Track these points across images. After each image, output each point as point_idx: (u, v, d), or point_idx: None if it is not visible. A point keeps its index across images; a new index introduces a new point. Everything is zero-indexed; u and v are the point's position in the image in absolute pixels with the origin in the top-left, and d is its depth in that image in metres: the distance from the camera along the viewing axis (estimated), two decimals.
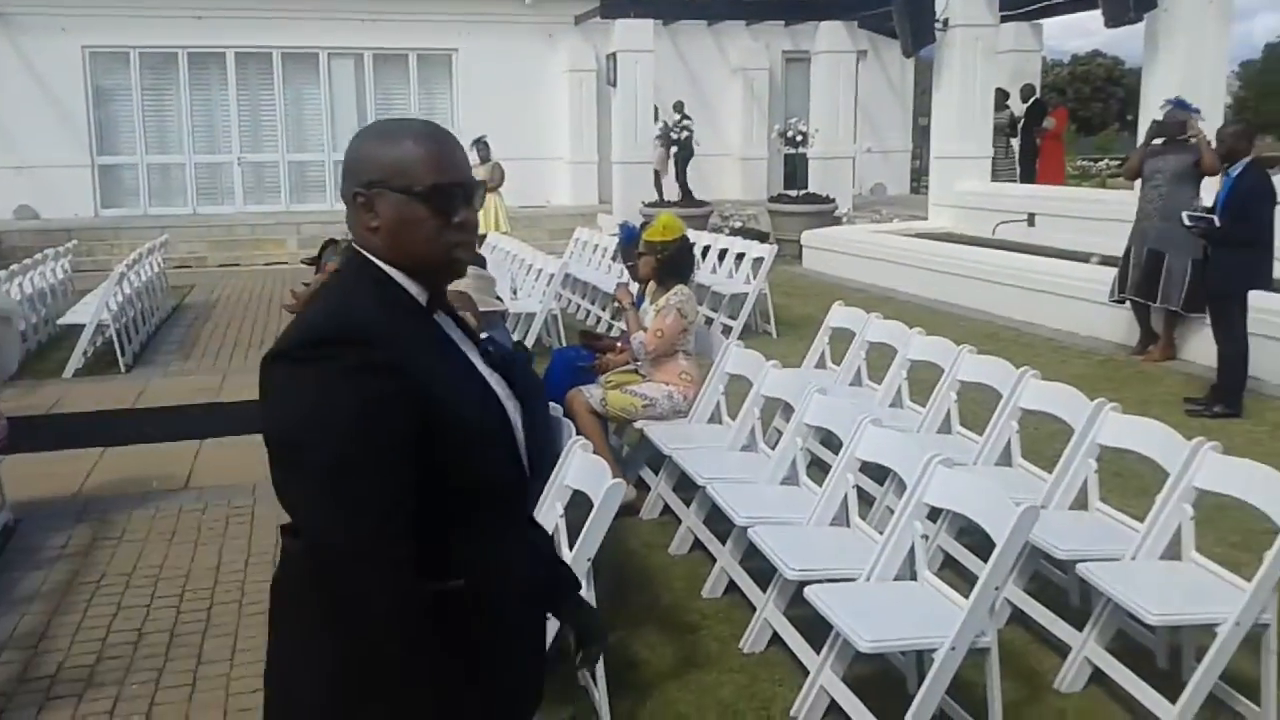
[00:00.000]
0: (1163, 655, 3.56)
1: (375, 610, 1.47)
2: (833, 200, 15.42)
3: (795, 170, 17.08)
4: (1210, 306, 7.07)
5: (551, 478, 3.57)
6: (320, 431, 1.48)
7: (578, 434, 4.86)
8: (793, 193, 16.23)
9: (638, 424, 5.05)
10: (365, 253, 1.64)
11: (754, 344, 5.56)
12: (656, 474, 4.99)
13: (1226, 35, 10.90)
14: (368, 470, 1.47)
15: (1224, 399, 6.60)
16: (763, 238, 13.15)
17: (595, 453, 4.88)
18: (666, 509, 4.91)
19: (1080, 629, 3.51)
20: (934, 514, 3.71)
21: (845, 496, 3.75)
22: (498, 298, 4.57)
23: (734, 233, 13.18)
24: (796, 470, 4.20)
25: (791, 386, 4.57)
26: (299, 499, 1.53)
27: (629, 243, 6.17)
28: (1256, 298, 6.77)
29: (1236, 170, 6.75)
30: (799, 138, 15.64)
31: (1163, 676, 3.41)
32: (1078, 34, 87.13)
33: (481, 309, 4.10)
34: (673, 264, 5.25)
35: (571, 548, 3.22)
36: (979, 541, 3.55)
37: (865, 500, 4.20)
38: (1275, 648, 3.14)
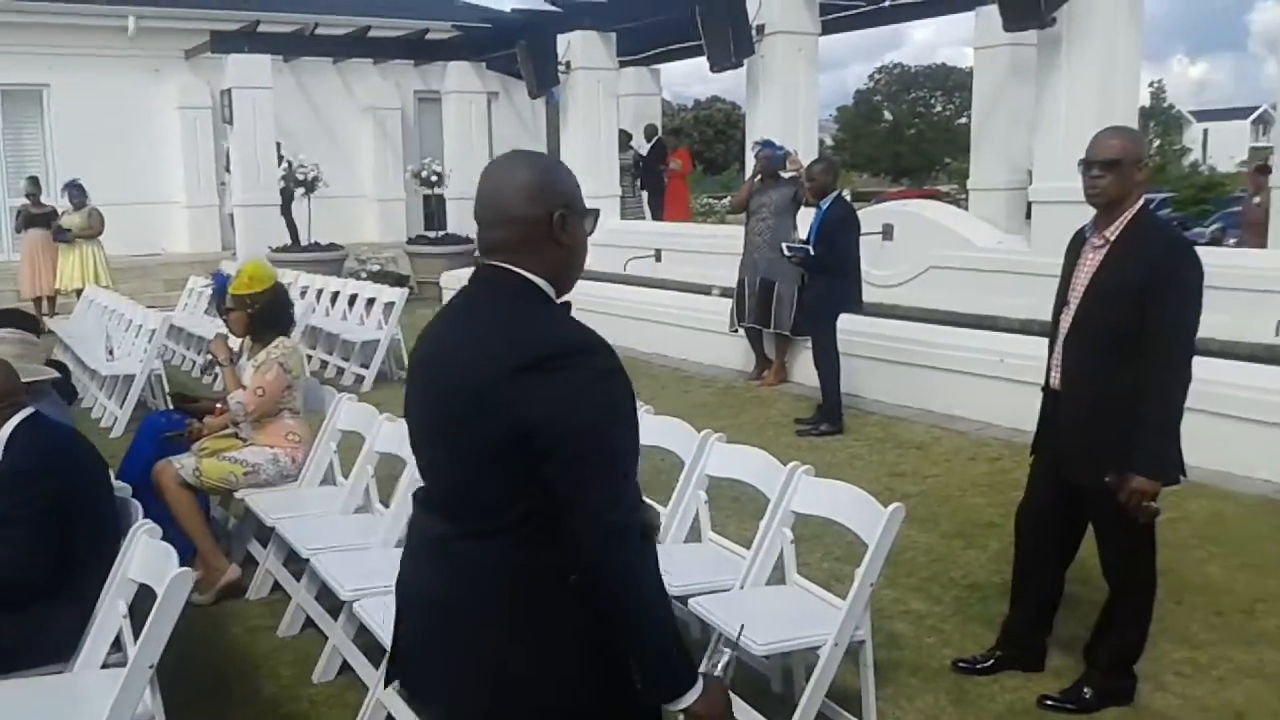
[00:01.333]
0: (777, 679, 3.63)
1: (651, 573, 1.81)
2: (472, 240, 15.30)
3: (434, 211, 16.85)
4: (807, 330, 7.63)
5: (111, 571, 3.08)
6: (621, 420, 1.79)
7: (172, 511, 4.35)
8: (432, 234, 15.97)
9: (239, 494, 4.57)
10: (522, 271, 1.86)
11: (387, 392, 5.23)
12: (265, 547, 4.53)
13: (815, 82, 11.92)
14: (637, 456, 1.82)
15: (828, 417, 7.07)
16: (402, 280, 12.77)
17: (187, 532, 4.41)
18: (277, 586, 4.47)
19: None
20: None
21: None
22: (56, 363, 3.98)
23: (371, 276, 12.73)
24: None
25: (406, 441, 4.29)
26: (584, 482, 1.74)
27: (221, 294, 5.62)
28: (846, 320, 7.34)
29: (826, 203, 7.29)
30: (434, 178, 15.44)
31: (780, 700, 3.47)
32: (699, 80, 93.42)
33: (25, 379, 3.51)
34: (267, 316, 4.82)
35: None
36: None
37: None
38: (871, 661, 3.27)
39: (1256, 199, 11.11)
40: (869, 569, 3.14)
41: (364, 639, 3.65)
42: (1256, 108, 61.34)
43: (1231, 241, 13.94)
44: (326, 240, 14.85)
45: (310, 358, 9.19)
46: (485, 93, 17.05)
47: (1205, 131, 53.96)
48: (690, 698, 1.81)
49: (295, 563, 4.28)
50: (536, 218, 1.85)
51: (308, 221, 14.78)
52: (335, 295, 10.01)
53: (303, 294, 9.91)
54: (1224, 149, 45.88)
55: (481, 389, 1.79)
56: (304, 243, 14.69)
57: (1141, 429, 3.17)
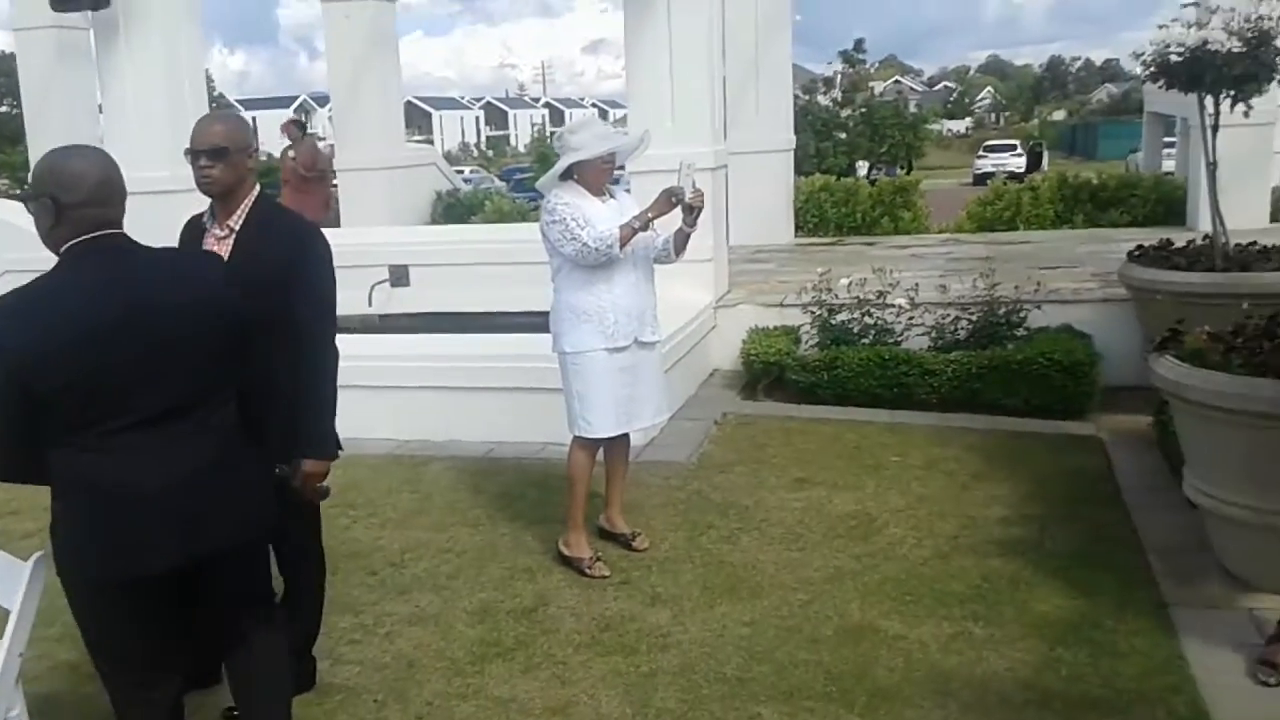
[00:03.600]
0: None
1: None
2: None
3: None
4: None
5: None
6: None
7: None
8: None
9: None
10: None
11: None
12: None
13: None
14: None
15: None
16: None
17: None
18: None
19: None
20: None
21: None
22: None
23: None
24: None
25: None
26: None
27: None
28: None
29: None
30: None
31: None
32: None
33: None
34: None
35: None
36: None
37: None
38: None
39: (292, 154, 11.10)
40: (14, 638, 2.60)
41: None
42: (297, 97, 66.54)
43: None
44: None
45: None
46: None
47: (255, 119, 56.86)
48: None
49: None
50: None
51: None
52: None
53: None
54: (272, 137, 48.62)
55: None
56: None
57: (303, 413, 3.15)
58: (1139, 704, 3.27)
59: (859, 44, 36.64)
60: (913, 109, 40.22)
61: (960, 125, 71.70)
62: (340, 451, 3.40)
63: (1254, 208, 9.09)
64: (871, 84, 40.92)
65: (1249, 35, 5.44)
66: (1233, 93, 5.66)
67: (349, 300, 6.57)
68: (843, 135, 30.82)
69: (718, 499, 5.14)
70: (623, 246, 4.24)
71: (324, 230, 3.41)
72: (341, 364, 3.30)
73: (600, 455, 4.59)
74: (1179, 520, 4.43)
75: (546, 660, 3.71)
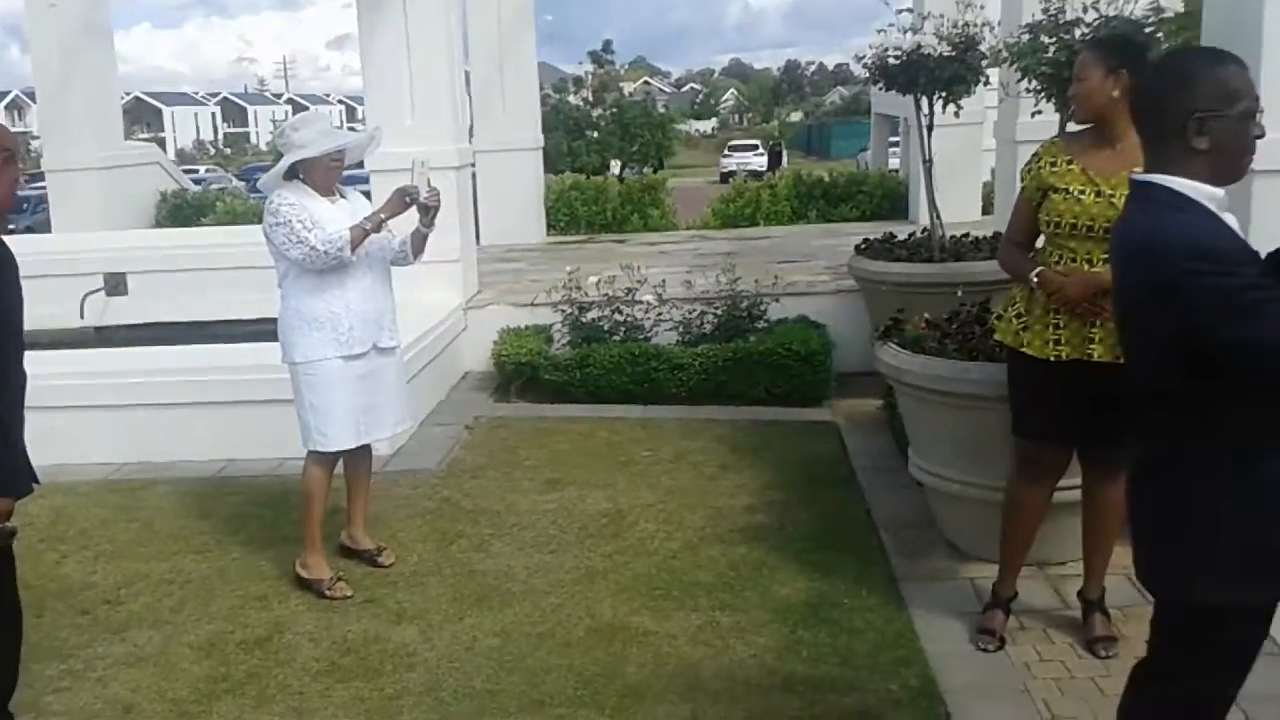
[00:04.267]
0: None
1: None
2: None
3: None
4: None
5: None
6: None
7: None
8: None
9: None
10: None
11: None
12: None
13: None
14: None
15: None
16: None
17: None
18: None
19: None
20: None
21: None
22: None
23: None
24: None
25: None
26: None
27: None
28: None
29: None
30: None
31: None
32: None
33: None
34: None
35: None
36: None
37: None
38: None
39: None
40: None
41: None
42: (8, 92, 60.81)
43: None
44: None
45: None
46: None
47: None
48: None
49: None
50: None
51: None
52: None
53: None
54: None
55: None
56: None
57: None
58: (874, 678, 3.40)
59: (607, 45, 37.32)
60: (661, 109, 41.27)
61: (706, 125, 74.30)
62: (36, 485, 3.03)
63: (967, 202, 9.83)
64: (621, 84, 41.70)
65: (957, 40, 5.83)
66: (944, 94, 6.05)
67: (56, 314, 6.02)
68: (594, 134, 31.20)
69: (468, 506, 5.00)
70: (354, 249, 4.02)
71: (31, 235, 3.03)
72: (48, 383, 2.97)
73: (341, 468, 4.36)
74: (907, 498, 4.68)
75: (281, 692, 3.47)
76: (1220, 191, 2.03)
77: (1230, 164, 2.05)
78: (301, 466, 4.28)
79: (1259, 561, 2.05)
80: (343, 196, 4.24)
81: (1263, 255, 1.99)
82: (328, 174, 4.14)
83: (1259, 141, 2.07)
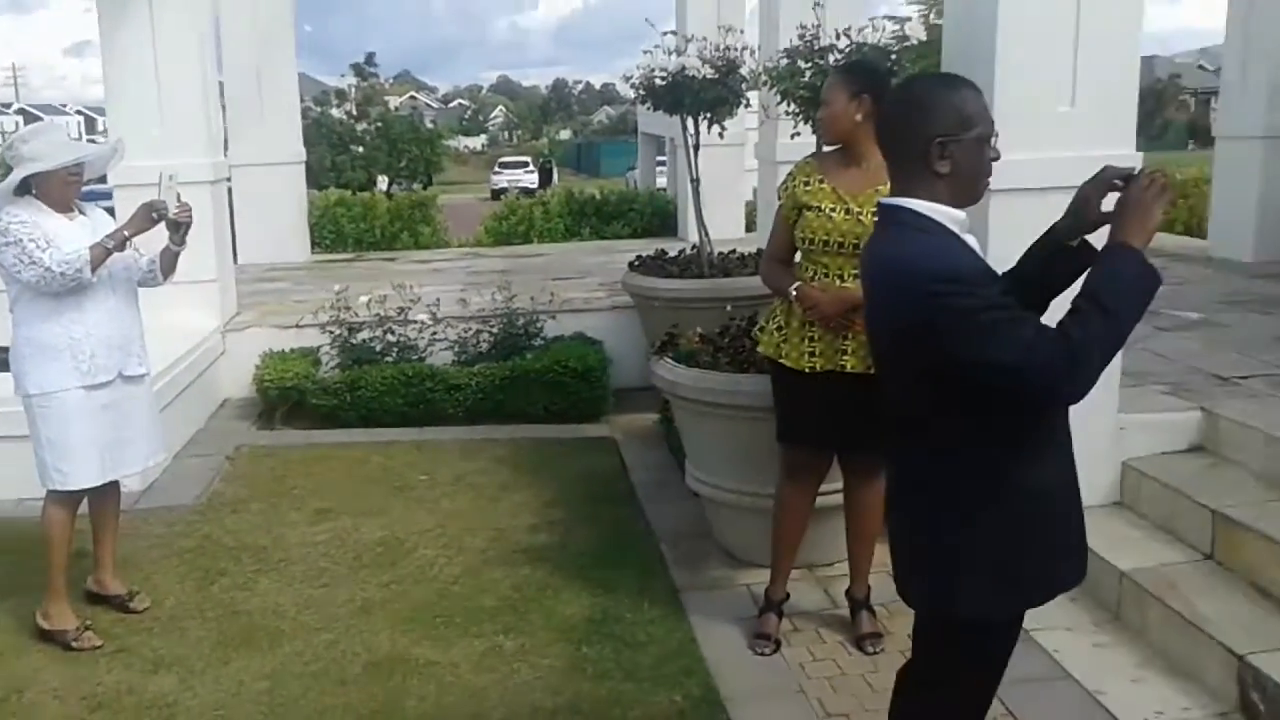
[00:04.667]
0: None
1: None
2: None
3: None
4: None
5: None
6: None
7: None
8: None
9: None
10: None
11: None
12: None
13: None
14: None
15: None
16: None
17: None
18: None
19: None
20: None
21: None
22: None
23: None
24: None
25: None
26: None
27: None
28: None
29: None
30: None
31: None
32: None
33: None
34: None
35: None
36: None
37: None
38: None
39: None
40: None
41: None
42: None
43: None
44: None
45: None
46: None
47: None
48: None
49: None
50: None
51: None
52: None
53: None
54: None
55: None
56: None
57: None
58: (659, 690, 3.43)
59: (370, 58, 36.38)
60: (429, 125, 40.63)
61: (476, 142, 73.85)
62: None
63: (732, 219, 10.16)
64: (387, 98, 40.78)
65: (720, 64, 6.02)
66: (708, 115, 6.23)
67: None
68: (360, 149, 30.32)
69: (230, 542, 4.71)
70: (95, 269, 3.72)
71: None
72: None
73: (85, 508, 4.01)
74: (685, 509, 4.77)
75: None
76: (961, 214, 2.15)
77: (969, 186, 2.17)
78: (41, 507, 3.92)
79: (1008, 575, 2.16)
80: (82, 213, 3.92)
81: (1000, 275, 2.13)
82: (65, 189, 3.82)
83: (995, 163, 2.22)
